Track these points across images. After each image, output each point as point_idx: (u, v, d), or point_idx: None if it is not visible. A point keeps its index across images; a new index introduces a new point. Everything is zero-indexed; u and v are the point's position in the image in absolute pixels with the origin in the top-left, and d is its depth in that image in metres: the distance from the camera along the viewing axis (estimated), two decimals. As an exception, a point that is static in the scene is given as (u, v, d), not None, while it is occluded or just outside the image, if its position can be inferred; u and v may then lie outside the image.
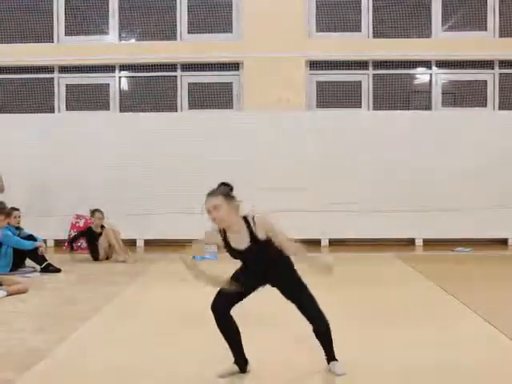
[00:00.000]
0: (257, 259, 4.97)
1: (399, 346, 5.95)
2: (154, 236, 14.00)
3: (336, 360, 5.09)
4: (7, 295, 8.28)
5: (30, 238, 10.80)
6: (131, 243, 13.90)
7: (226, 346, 5.10)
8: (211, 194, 4.99)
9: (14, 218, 10.84)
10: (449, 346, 5.96)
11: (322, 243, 13.88)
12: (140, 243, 14.02)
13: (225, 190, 4.99)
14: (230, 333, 5.04)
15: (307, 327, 5.03)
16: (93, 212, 11.81)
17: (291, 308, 5.06)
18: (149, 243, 13.98)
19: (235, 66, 14.75)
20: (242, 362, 5.13)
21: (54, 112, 14.77)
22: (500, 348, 5.92)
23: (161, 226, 13.83)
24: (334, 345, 5.08)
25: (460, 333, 6.47)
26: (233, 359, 5.14)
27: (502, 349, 5.90)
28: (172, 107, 14.79)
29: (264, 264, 4.98)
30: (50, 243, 13.58)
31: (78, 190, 13.67)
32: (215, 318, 5.00)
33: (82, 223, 13.46)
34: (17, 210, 11.02)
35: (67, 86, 14.87)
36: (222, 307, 4.99)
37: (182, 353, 5.78)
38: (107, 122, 14.09)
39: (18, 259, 10.51)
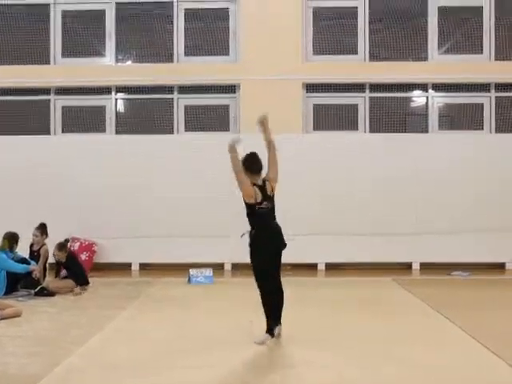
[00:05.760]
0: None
1: (397, 370, 5.95)
2: (149, 259, 13.98)
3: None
4: (1, 319, 8.25)
5: (24, 261, 10.78)
6: (126, 267, 13.91)
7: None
8: None
9: None
10: (447, 371, 5.96)
11: (319, 267, 13.83)
12: (135, 267, 13.98)
13: None
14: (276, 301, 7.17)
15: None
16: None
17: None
18: (144, 267, 13.96)
19: (232, 89, 14.83)
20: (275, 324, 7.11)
21: (50, 134, 14.80)
22: (499, 373, 5.93)
23: (157, 249, 13.80)
24: None
25: (458, 358, 6.46)
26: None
27: (501, 374, 5.90)
28: (168, 130, 14.82)
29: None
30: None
31: (72, 213, 13.66)
32: (271, 297, 7.11)
33: (76, 246, 13.43)
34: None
35: (63, 107, 14.93)
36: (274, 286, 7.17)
37: (177, 378, 5.77)
38: (103, 145, 14.09)
39: (12, 283, 10.48)
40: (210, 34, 14.74)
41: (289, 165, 13.68)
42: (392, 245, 13.73)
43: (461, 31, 14.62)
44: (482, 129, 14.66)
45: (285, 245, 7.39)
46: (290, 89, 14.40)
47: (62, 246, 11.15)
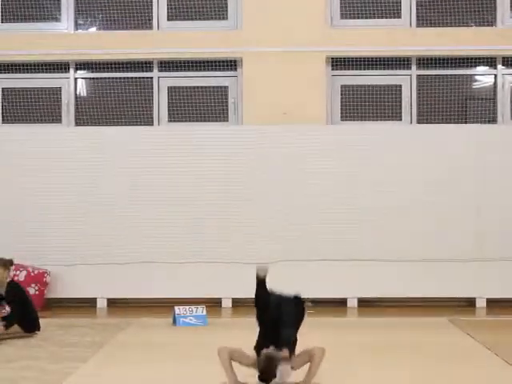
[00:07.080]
0: None
1: None
2: (120, 294, 13.88)
3: None
4: None
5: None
6: (89, 303, 13.79)
7: None
8: None
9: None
10: None
11: (349, 304, 13.75)
12: (101, 303, 13.88)
13: None
14: None
15: None
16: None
17: None
18: (114, 303, 13.86)
19: (232, 65, 14.76)
20: None
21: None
22: None
23: (131, 280, 13.70)
24: None
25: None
26: None
27: None
28: (146, 119, 14.78)
29: None
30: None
31: (14, 231, 13.64)
32: None
33: (22, 276, 13.29)
34: None
35: (4, 90, 14.87)
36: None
37: None
38: (58, 139, 13.96)
39: None
40: (202, -8, 14.73)
41: (307, 167, 13.64)
42: (447, 274, 13.65)
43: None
44: None
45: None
46: (309, 65, 14.38)
47: (5, 263, 10.98)
